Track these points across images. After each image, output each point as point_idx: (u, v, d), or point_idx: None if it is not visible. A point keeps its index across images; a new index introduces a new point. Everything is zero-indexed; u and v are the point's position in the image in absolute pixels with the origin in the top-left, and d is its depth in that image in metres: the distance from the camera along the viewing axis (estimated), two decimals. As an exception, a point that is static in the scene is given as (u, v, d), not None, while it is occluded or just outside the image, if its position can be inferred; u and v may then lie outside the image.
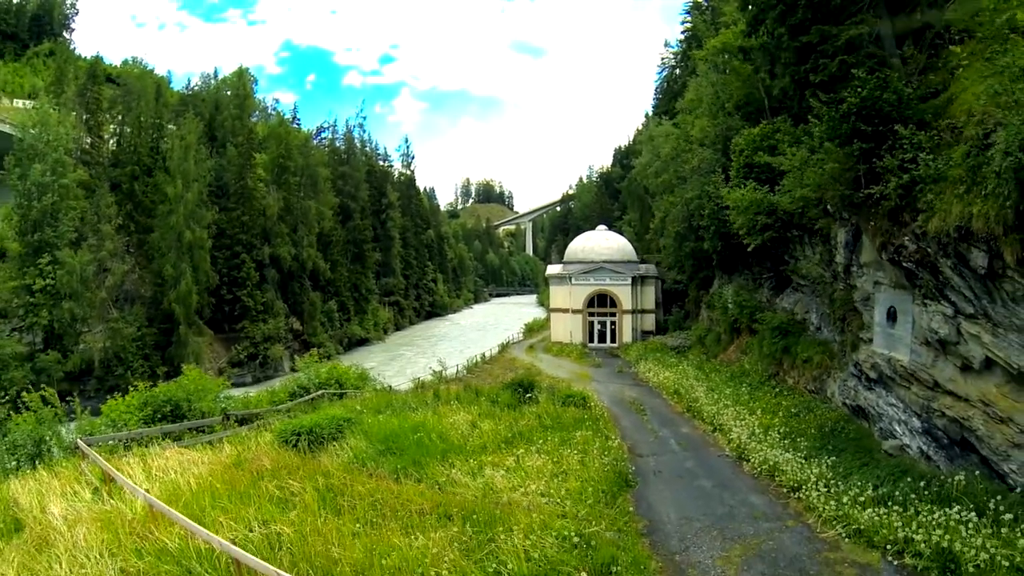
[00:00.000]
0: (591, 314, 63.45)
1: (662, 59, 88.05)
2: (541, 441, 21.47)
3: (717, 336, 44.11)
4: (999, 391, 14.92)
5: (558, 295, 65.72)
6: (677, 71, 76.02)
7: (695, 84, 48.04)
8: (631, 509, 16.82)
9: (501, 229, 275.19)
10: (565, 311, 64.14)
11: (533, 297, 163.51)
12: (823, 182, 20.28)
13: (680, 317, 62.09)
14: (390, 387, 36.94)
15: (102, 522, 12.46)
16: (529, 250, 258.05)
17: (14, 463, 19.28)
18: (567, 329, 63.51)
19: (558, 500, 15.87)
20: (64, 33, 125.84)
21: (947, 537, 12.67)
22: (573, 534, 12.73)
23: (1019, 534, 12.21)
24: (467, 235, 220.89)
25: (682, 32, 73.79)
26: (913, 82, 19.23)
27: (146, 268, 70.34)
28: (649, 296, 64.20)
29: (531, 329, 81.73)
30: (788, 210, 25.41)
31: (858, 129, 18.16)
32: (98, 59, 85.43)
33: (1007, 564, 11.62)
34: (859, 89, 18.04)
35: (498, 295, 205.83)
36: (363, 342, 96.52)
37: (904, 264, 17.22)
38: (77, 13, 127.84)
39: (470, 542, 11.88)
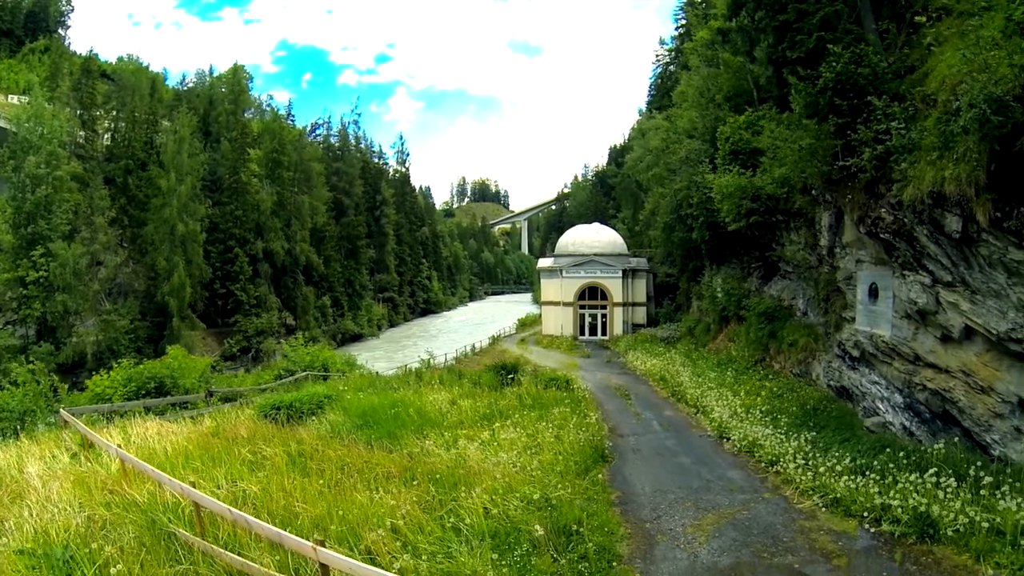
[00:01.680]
0: (582, 307, 63.40)
1: (657, 56, 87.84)
2: (518, 416, 21.42)
3: (707, 326, 44.07)
4: (979, 360, 14.82)
5: (549, 288, 65.64)
6: (671, 68, 75.97)
7: (686, 77, 48.05)
8: (605, 481, 16.66)
9: (497, 228, 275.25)
10: (556, 304, 64.05)
11: (528, 295, 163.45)
12: (801, 159, 20.29)
13: (671, 310, 62.18)
14: (376, 373, 36.89)
15: (76, 480, 12.50)
16: (525, 249, 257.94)
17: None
18: (558, 322, 63.40)
19: (529, 470, 15.76)
20: (59, 30, 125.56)
21: (924, 501, 12.54)
22: (538, 497, 12.63)
23: (999, 497, 12.05)
24: (462, 234, 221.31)
25: (676, 29, 73.90)
26: (891, 58, 19.26)
27: (139, 262, 70.53)
28: (640, 289, 64.22)
29: (524, 324, 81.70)
30: (771, 193, 25.43)
31: (834, 104, 18.22)
32: (93, 55, 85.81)
33: (987, 526, 11.48)
34: (834, 64, 18.07)
35: (493, 293, 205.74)
36: (357, 338, 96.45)
37: (881, 236, 17.17)
38: (73, 10, 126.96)
39: (432, 501, 11.79)
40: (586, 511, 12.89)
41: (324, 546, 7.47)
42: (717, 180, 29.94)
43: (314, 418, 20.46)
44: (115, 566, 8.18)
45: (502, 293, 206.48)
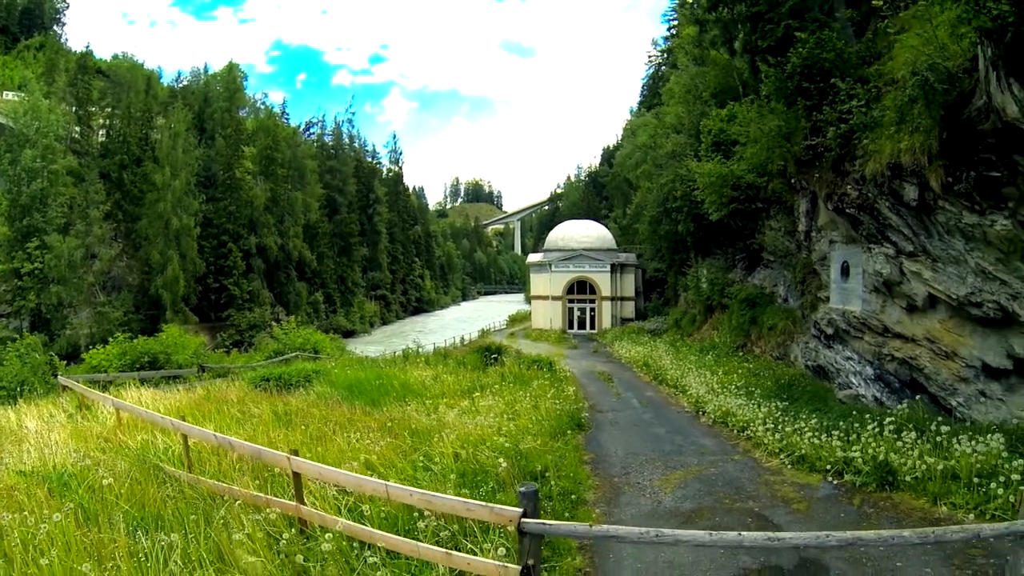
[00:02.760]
0: (571, 301, 64.22)
1: (649, 57, 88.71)
2: (498, 387, 21.99)
3: (692, 317, 44.77)
4: (943, 327, 15.41)
5: (539, 283, 66.28)
6: (663, 68, 76.67)
7: (675, 75, 48.71)
8: (579, 445, 17.15)
9: (490, 228, 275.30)
10: (545, 298, 64.73)
11: (521, 295, 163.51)
12: (771, 141, 20.97)
13: (659, 304, 62.79)
14: (366, 356, 37.46)
15: (73, 432, 13.18)
16: (518, 249, 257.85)
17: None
18: (547, 316, 64.09)
19: (503, 431, 16.28)
20: (55, 27, 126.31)
21: (883, 450, 12.98)
22: (508, 446, 13.07)
23: (955, 443, 12.40)
24: (456, 233, 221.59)
25: (668, 30, 74.62)
26: (858, 45, 19.97)
27: (133, 256, 71.32)
28: (629, 284, 64.89)
29: (514, 320, 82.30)
30: (750, 182, 26.14)
31: (802, 87, 19.09)
32: (88, 52, 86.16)
33: (940, 469, 11.84)
34: (801, 50, 18.86)
35: (486, 293, 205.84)
36: (349, 334, 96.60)
37: (847, 211, 17.84)
38: (68, 7, 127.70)
39: (407, 448, 12.33)
40: (555, 462, 13.41)
41: (297, 455, 8.08)
42: (700, 168, 30.56)
43: (302, 390, 21.01)
44: (107, 481, 8.72)
45: (495, 293, 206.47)
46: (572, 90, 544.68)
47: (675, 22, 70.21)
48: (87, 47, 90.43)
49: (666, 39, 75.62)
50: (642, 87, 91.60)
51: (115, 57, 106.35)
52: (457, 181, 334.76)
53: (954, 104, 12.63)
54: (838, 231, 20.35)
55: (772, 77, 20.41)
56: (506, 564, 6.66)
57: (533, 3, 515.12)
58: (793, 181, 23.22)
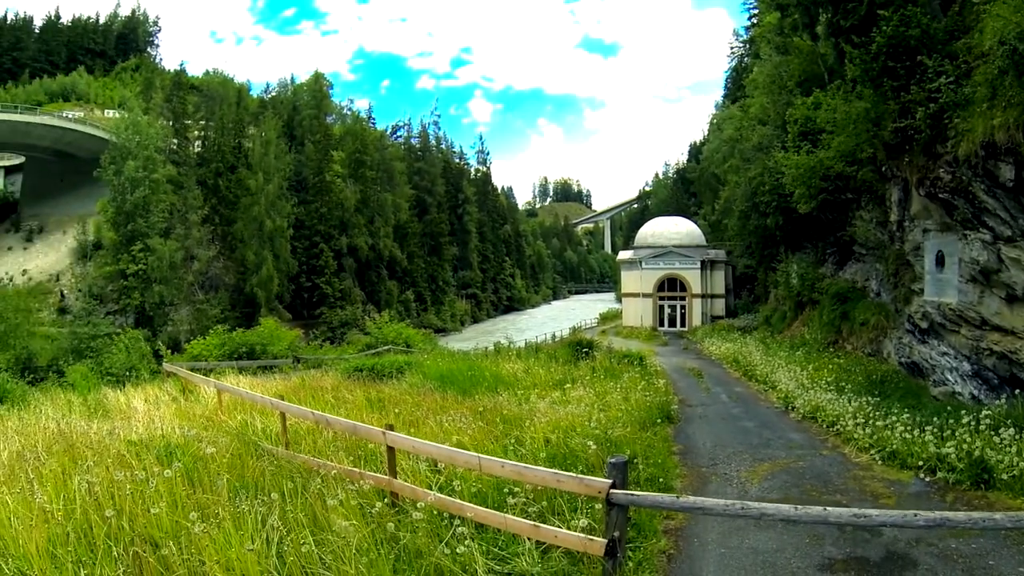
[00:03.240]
0: (661, 298, 63.99)
1: (731, 49, 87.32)
2: (589, 379, 22.17)
3: (782, 314, 44.02)
4: (1045, 317, 14.89)
5: (629, 280, 66.28)
6: (746, 60, 75.53)
7: (758, 65, 48.04)
8: (668, 436, 17.22)
9: (579, 227, 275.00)
10: (636, 295, 64.65)
11: (611, 295, 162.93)
12: (858, 127, 20.54)
13: (749, 301, 61.89)
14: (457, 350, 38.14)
15: (177, 411, 14.03)
16: (608, 248, 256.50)
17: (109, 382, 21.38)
18: (637, 313, 63.99)
19: (594, 421, 16.44)
20: (148, 49, 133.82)
21: (978, 445, 12.59)
22: (598, 433, 13.17)
23: None
24: (545, 233, 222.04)
25: (748, 19, 73.61)
26: (944, 20, 19.37)
27: (229, 257, 74.58)
28: (719, 281, 64.22)
29: (605, 318, 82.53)
30: (839, 171, 25.61)
31: (888, 67, 18.53)
32: (182, 69, 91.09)
33: None
34: (885, 28, 18.37)
35: (577, 292, 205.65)
36: (440, 332, 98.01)
37: (940, 196, 17.41)
38: (160, 30, 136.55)
39: (499, 433, 12.63)
40: (644, 450, 13.54)
41: (392, 429, 8.48)
42: (787, 159, 30.08)
43: (394, 380, 21.64)
44: (210, 450, 9.32)
45: (585, 292, 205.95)
46: (657, 86, 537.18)
47: (755, 11, 69.27)
48: (181, 65, 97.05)
49: (747, 29, 74.79)
50: (725, 80, 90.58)
51: (206, 73, 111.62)
52: (545, 181, 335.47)
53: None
54: (932, 219, 19.83)
55: (857, 59, 19.98)
56: (592, 537, 6.87)
57: (611, 1, 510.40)
58: (884, 168, 22.71)
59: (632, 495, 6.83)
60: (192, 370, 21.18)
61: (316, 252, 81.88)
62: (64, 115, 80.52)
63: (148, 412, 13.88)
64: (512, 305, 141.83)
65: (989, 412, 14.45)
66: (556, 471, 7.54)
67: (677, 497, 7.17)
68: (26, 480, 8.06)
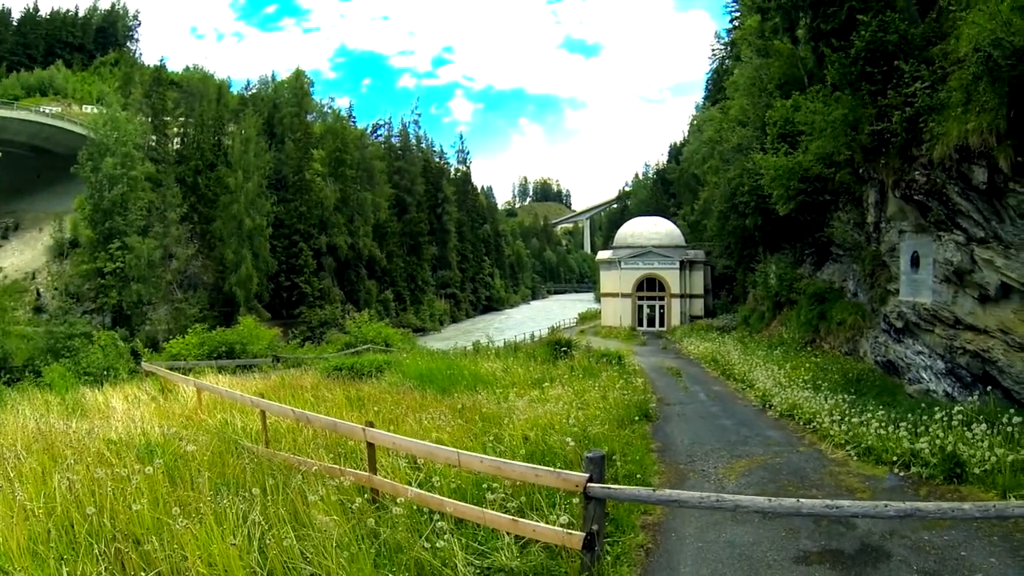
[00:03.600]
0: (640, 298, 64.24)
1: (713, 51, 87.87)
2: (567, 378, 22.24)
3: (761, 314, 44.37)
4: (1016, 317, 15.11)
5: (608, 280, 66.52)
6: (727, 62, 75.95)
7: (739, 67, 48.33)
8: (646, 433, 17.30)
9: (559, 227, 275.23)
10: (615, 295, 64.89)
11: (591, 294, 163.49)
12: (835, 130, 20.79)
13: (728, 302, 62.37)
14: (436, 350, 38.19)
15: (156, 410, 14.03)
16: (587, 248, 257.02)
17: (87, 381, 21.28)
18: (617, 313, 64.21)
19: (572, 419, 16.53)
20: (128, 44, 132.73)
21: (951, 441, 12.75)
22: (576, 431, 13.31)
23: None
24: (525, 233, 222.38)
25: (730, 21, 74.00)
26: (922, 26, 19.64)
27: (208, 255, 74.24)
28: (698, 281, 64.54)
29: (584, 318, 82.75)
30: (815, 172, 25.84)
31: (866, 72, 18.84)
32: (162, 65, 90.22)
33: (1011, 461, 11.61)
34: (864, 33, 18.64)
35: (556, 292, 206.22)
36: (419, 332, 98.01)
37: (915, 198, 17.62)
38: (139, 25, 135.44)
39: (478, 430, 12.70)
40: (622, 448, 13.63)
41: (372, 426, 8.53)
42: (766, 160, 30.27)
43: (374, 379, 21.65)
44: (190, 448, 9.33)
45: (565, 292, 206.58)
46: (638, 87, 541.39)
47: (737, 14, 69.56)
48: (161, 61, 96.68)
49: (729, 31, 75.11)
50: (706, 81, 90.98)
51: (187, 69, 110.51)
52: (525, 181, 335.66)
53: (1020, 81, 12.47)
54: (907, 220, 20.05)
55: (836, 63, 20.27)
56: (570, 531, 6.98)
57: (593, 1, 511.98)
58: (861, 171, 22.93)
59: (609, 488, 6.95)
60: (171, 369, 21.13)
61: (295, 251, 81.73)
62: (41, 110, 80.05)
63: (127, 411, 13.89)
64: (491, 305, 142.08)
65: (962, 409, 14.60)
66: (534, 466, 7.67)
67: (654, 490, 7.33)
68: (5, 479, 8.08)
